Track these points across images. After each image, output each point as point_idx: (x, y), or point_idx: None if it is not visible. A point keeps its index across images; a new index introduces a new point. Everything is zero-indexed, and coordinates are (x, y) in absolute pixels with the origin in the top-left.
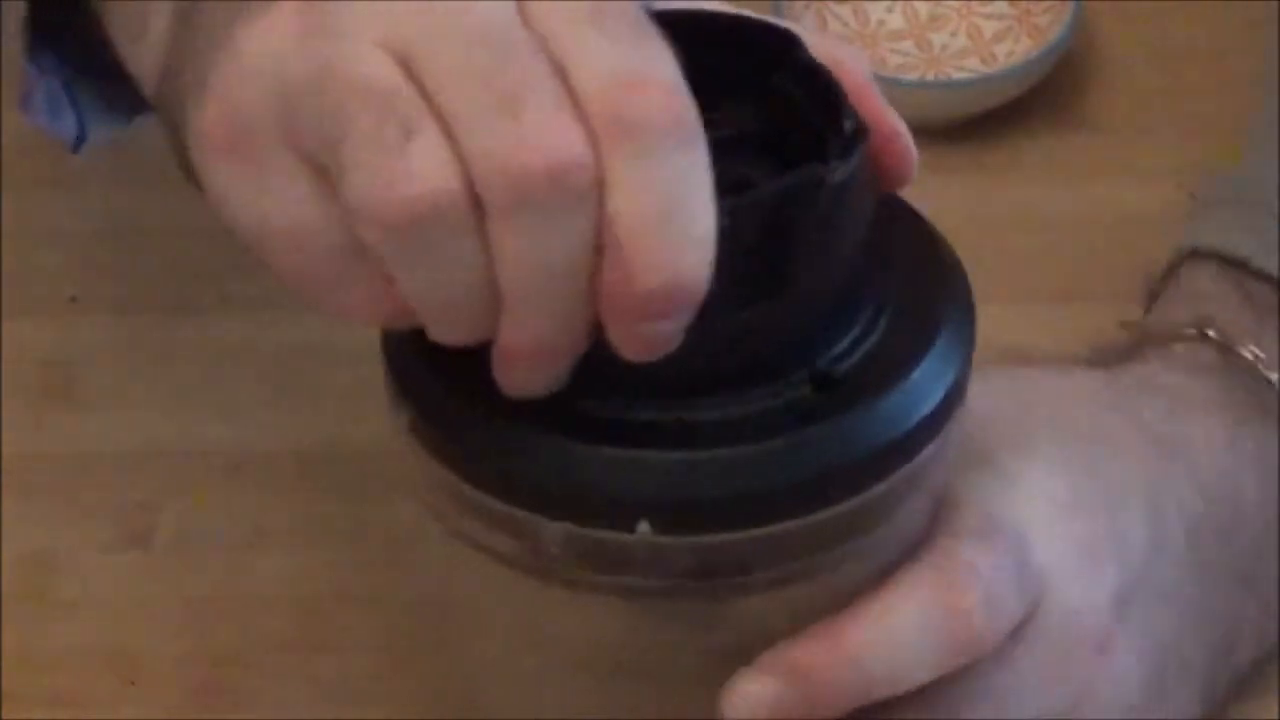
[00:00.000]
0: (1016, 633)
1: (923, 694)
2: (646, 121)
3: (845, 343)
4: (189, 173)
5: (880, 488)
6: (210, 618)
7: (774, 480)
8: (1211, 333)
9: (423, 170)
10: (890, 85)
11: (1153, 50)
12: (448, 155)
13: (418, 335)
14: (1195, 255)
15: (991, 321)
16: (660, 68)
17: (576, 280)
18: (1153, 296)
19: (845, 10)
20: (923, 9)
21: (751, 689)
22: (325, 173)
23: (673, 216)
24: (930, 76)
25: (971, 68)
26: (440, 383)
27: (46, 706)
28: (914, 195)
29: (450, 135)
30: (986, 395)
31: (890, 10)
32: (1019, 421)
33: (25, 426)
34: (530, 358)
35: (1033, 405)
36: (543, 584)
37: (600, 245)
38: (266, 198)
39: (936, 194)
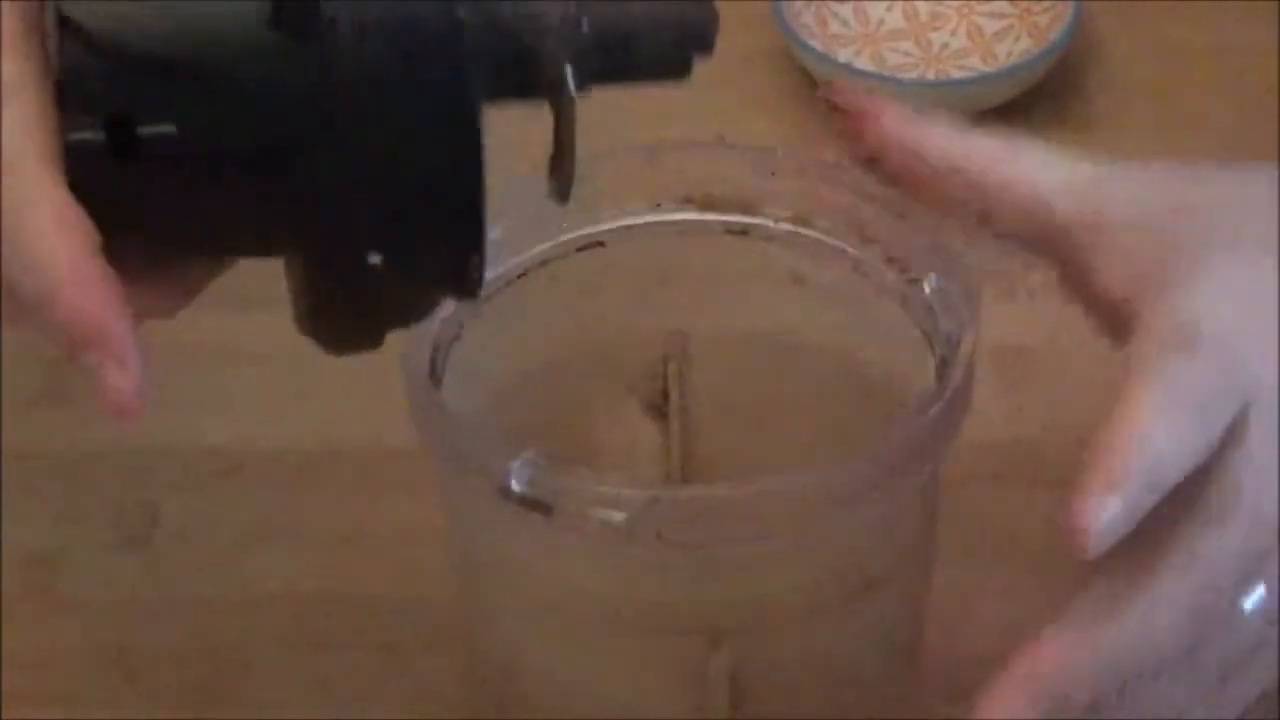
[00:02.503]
0: (1238, 430)
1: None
2: None
3: None
4: None
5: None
6: (210, 617)
7: None
8: None
9: None
10: (890, 84)
11: (1153, 50)
12: None
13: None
14: None
15: (991, 321)
16: None
17: None
18: None
19: (845, 10)
20: (923, 8)
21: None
22: None
23: None
24: (930, 76)
25: (971, 67)
26: None
27: (46, 706)
28: None
29: None
30: (1194, 191)
31: (890, 9)
32: (1216, 221)
33: (25, 426)
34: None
35: (1222, 206)
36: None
37: None
38: None
39: None
